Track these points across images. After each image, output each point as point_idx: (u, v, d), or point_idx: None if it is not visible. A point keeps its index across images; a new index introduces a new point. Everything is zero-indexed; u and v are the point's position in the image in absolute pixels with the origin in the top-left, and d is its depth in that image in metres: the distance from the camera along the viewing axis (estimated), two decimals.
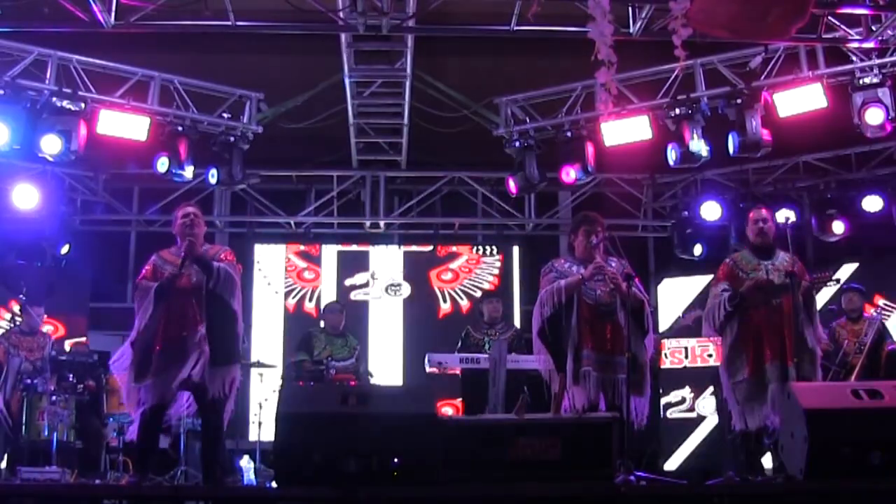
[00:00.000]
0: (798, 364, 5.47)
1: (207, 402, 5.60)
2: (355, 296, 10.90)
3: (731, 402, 5.69)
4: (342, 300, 9.98)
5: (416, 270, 11.07)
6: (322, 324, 8.53)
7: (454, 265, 11.11)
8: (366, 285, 10.99)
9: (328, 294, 10.72)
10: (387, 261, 11.10)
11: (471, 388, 7.67)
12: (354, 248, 11.13)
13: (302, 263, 11.03)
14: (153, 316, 5.59)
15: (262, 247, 11.06)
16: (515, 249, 11.17)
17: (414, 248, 11.14)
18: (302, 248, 11.07)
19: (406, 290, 11.03)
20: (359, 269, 11.02)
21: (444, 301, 10.99)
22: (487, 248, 11.19)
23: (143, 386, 5.53)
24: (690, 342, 10.00)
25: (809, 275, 5.81)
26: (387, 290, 11.01)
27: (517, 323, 9.77)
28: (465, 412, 7.75)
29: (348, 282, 10.96)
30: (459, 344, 8.17)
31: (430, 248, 11.11)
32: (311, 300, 10.87)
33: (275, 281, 10.95)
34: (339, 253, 11.09)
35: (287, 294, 10.91)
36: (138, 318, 5.65)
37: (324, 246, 11.06)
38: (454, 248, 11.16)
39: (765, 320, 5.65)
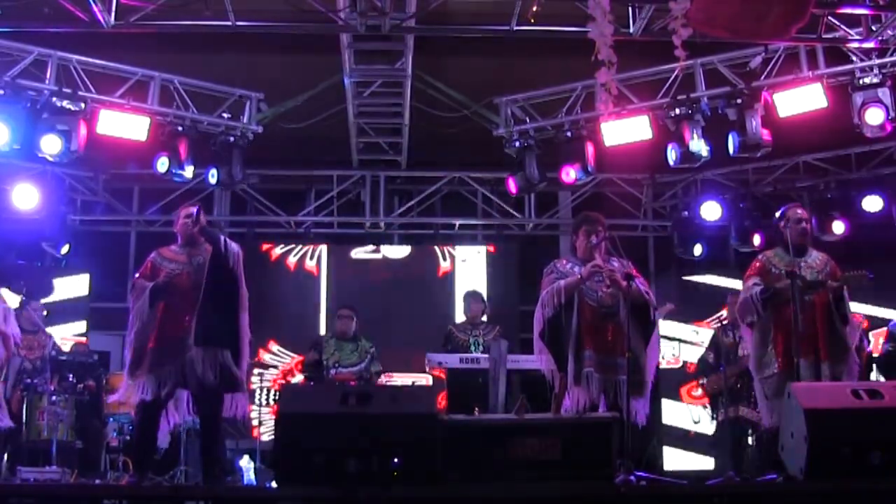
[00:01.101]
0: (832, 363, 5.49)
1: (201, 394, 5.59)
2: (356, 254, 10.98)
3: (759, 397, 5.70)
4: (345, 258, 10.56)
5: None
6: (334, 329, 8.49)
7: None
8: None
9: (329, 252, 10.94)
10: None
11: (457, 388, 7.64)
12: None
13: None
14: (149, 314, 5.63)
15: None
16: (515, 249, 11.16)
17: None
18: None
19: (406, 248, 11.14)
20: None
21: (444, 259, 11.02)
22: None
23: (136, 382, 5.55)
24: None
25: (842, 272, 5.79)
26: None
27: (518, 323, 9.75)
28: (450, 412, 7.69)
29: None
30: (443, 343, 8.13)
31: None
32: (311, 258, 10.92)
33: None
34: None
35: (288, 252, 10.95)
36: (132, 316, 5.69)
37: None
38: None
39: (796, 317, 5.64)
